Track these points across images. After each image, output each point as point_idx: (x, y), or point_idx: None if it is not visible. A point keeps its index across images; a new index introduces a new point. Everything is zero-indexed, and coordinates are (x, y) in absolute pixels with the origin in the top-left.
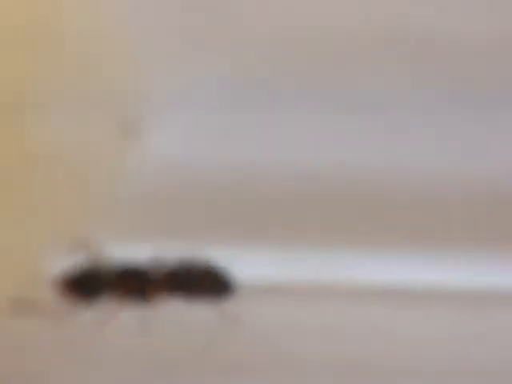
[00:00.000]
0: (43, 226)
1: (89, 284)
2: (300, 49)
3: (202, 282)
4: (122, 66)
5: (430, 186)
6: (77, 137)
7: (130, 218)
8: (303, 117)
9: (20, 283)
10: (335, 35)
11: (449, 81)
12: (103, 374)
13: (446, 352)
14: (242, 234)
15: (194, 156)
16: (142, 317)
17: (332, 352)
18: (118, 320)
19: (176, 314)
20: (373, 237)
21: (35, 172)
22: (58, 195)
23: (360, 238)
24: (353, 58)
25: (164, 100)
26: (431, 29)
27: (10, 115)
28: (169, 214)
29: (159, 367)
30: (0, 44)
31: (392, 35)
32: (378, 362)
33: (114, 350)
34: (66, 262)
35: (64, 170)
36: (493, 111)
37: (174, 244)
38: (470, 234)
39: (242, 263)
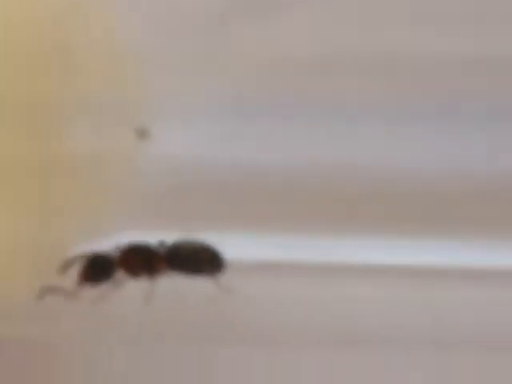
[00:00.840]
0: (67, 216)
1: (101, 264)
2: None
3: (199, 258)
4: (137, 80)
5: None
6: (97, 140)
7: (142, 209)
8: (301, 120)
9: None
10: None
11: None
12: (112, 343)
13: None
14: (238, 219)
15: (197, 155)
16: (147, 290)
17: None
18: (125, 292)
19: (177, 287)
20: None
21: (61, 170)
22: (80, 191)
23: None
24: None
25: (172, 108)
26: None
27: (41, 121)
28: (174, 204)
29: (160, 335)
30: (24, 60)
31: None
32: (370, 332)
33: (122, 321)
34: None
35: (87, 169)
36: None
37: (178, 230)
38: (467, 219)
39: (239, 245)
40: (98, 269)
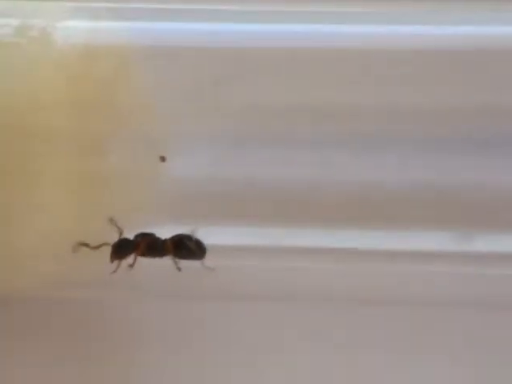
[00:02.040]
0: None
1: (124, 244)
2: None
3: (188, 246)
4: (160, 121)
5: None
6: (126, 163)
7: (159, 215)
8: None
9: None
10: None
11: None
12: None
13: None
14: (229, 219)
15: (201, 175)
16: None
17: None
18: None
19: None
20: None
21: (101, 184)
22: (112, 201)
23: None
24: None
25: (184, 140)
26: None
27: (89, 147)
28: (185, 211)
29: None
30: (82, 102)
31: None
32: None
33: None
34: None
35: (119, 185)
36: None
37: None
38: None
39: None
40: (121, 248)
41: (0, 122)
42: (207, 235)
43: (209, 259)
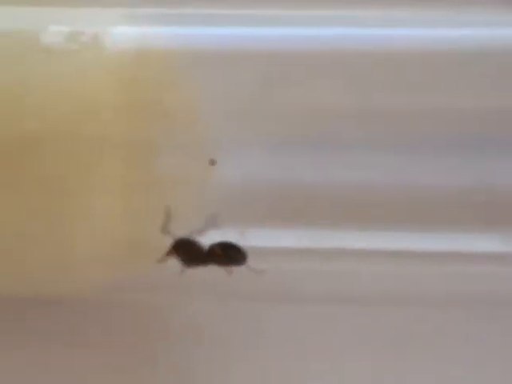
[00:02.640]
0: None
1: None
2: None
3: (228, 254)
4: (206, 122)
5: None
6: (176, 167)
7: (212, 208)
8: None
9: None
10: None
11: None
12: None
13: None
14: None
15: (254, 177)
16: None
17: None
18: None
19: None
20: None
21: (153, 188)
22: (162, 206)
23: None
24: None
25: (235, 140)
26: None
27: (141, 153)
28: (234, 214)
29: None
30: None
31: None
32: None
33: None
34: None
35: (168, 190)
36: None
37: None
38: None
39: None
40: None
41: (51, 129)
42: (257, 238)
43: (258, 261)
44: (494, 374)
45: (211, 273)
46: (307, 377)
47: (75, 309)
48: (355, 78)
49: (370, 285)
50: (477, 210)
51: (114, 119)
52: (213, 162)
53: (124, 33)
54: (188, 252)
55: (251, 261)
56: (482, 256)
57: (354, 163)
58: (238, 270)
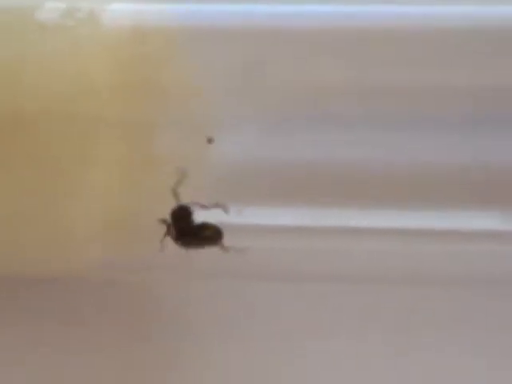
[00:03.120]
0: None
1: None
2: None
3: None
4: (208, 106)
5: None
6: (174, 145)
7: (207, 189)
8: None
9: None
10: None
11: None
12: None
13: None
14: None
15: (248, 156)
16: None
17: None
18: None
19: None
20: None
21: (152, 165)
22: (160, 184)
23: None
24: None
25: (233, 118)
26: None
27: (139, 132)
28: (228, 186)
29: None
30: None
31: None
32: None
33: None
34: None
35: (167, 168)
36: None
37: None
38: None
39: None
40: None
41: (47, 107)
42: (255, 216)
43: (256, 239)
44: (492, 353)
45: (206, 253)
46: (302, 355)
47: (69, 287)
48: (354, 55)
49: (369, 263)
50: (476, 187)
51: (110, 97)
52: (210, 141)
53: (121, 9)
54: (181, 222)
55: (251, 239)
56: (482, 234)
57: (353, 141)
58: (233, 250)
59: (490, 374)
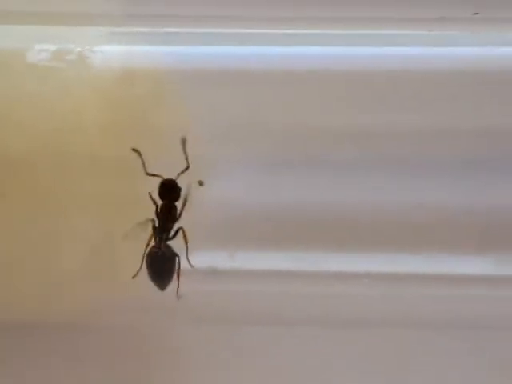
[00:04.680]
0: None
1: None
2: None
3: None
4: (193, 142)
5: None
6: None
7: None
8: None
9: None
10: None
11: None
12: None
13: None
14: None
15: (235, 197)
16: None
17: None
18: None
19: None
20: None
21: (139, 208)
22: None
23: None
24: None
25: (222, 161)
26: None
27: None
28: (222, 235)
29: None
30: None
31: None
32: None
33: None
34: None
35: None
36: None
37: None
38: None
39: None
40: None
41: (37, 147)
42: (244, 260)
43: (247, 284)
44: None
45: (196, 297)
46: None
47: (60, 332)
48: (346, 98)
49: (362, 307)
50: (470, 232)
51: (99, 136)
52: (201, 183)
53: (110, 51)
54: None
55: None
56: (476, 279)
57: (344, 185)
58: (223, 293)
59: None
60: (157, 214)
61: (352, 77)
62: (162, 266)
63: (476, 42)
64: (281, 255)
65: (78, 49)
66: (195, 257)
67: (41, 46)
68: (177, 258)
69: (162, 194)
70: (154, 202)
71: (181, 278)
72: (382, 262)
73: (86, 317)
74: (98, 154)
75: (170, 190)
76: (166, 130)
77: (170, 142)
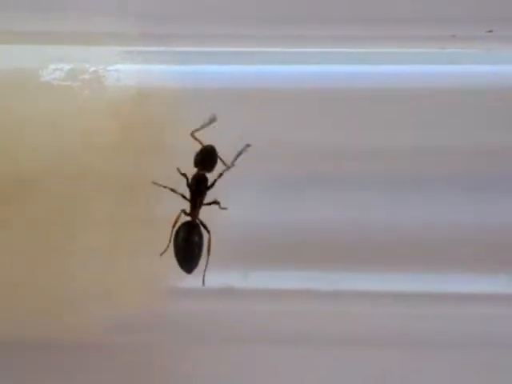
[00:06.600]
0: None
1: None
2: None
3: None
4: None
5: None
6: (176, 205)
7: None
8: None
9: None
10: None
11: None
12: None
13: None
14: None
15: (253, 217)
16: None
17: None
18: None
19: None
20: None
21: (153, 227)
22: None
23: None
24: None
25: (234, 180)
26: None
27: (138, 195)
28: (234, 255)
29: None
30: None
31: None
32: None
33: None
34: None
35: (168, 228)
36: None
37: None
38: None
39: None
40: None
41: (50, 164)
42: (258, 279)
43: (261, 303)
44: None
45: (209, 316)
46: None
47: (66, 351)
48: (360, 117)
49: (374, 326)
50: (481, 250)
51: (113, 156)
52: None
53: (124, 70)
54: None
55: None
56: (487, 297)
57: (357, 203)
58: (234, 313)
59: None
60: (188, 185)
61: (365, 95)
62: (193, 237)
63: (490, 60)
64: (295, 274)
65: (93, 68)
66: (209, 275)
67: (55, 65)
68: (208, 235)
69: (199, 162)
70: (184, 175)
71: (194, 299)
72: (394, 280)
73: (98, 335)
74: (111, 173)
75: (208, 158)
76: (180, 149)
77: (184, 160)
